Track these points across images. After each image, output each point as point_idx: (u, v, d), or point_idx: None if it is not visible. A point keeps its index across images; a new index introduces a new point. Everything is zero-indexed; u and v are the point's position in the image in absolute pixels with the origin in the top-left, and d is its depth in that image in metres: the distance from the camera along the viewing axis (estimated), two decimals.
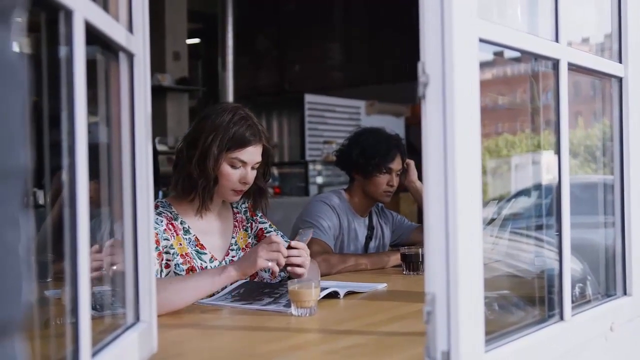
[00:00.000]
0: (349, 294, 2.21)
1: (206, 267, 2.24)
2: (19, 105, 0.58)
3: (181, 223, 2.26)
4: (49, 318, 1.31)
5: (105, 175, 1.38)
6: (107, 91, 1.38)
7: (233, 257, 2.34)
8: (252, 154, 2.25)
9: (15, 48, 0.58)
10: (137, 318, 1.39)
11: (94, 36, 1.14)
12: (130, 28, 1.38)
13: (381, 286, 2.38)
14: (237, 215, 2.45)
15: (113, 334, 1.28)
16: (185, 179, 2.24)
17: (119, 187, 1.39)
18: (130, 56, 1.37)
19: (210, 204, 2.30)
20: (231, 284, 2.18)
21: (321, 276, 2.65)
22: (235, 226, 2.41)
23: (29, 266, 0.60)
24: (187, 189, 2.25)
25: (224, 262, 2.30)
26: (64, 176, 1.03)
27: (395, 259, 2.85)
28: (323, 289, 2.07)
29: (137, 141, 1.39)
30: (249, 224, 2.47)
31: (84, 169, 1.04)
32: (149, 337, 1.41)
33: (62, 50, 1.04)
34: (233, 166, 2.23)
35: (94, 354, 1.11)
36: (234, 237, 2.39)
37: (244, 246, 2.40)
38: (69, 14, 1.02)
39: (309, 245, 2.83)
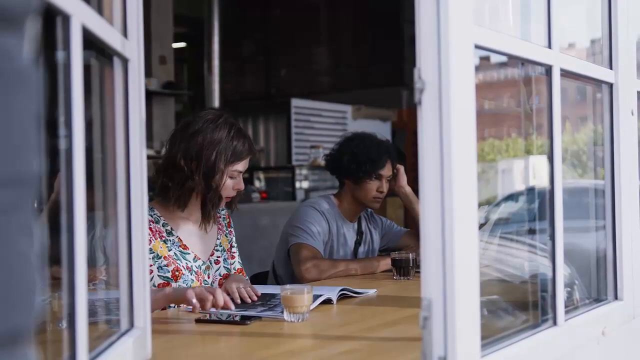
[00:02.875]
0: (342, 298, 2.21)
1: (190, 266, 2.30)
2: (32, 112, 0.58)
3: (163, 225, 2.31)
4: (45, 322, 1.30)
5: (98, 181, 1.37)
6: (101, 96, 1.37)
7: (218, 257, 2.43)
8: (247, 163, 2.38)
9: (28, 55, 0.58)
10: (131, 324, 1.38)
11: (88, 41, 1.14)
12: (125, 33, 1.37)
13: (372, 292, 2.38)
14: (219, 219, 2.52)
15: (108, 340, 1.27)
16: (187, 193, 2.28)
17: (112, 192, 1.38)
18: (125, 61, 1.37)
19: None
20: None
21: (311, 282, 2.65)
22: (219, 228, 2.49)
23: (41, 274, 0.59)
24: (186, 202, 2.31)
25: (208, 262, 2.38)
26: (61, 181, 1.02)
27: (385, 263, 2.85)
28: (316, 296, 2.06)
29: (131, 146, 1.38)
30: (228, 231, 2.55)
31: (81, 174, 1.03)
32: (144, 343, 1.41)
33: (59, 55, 1.03)
34: (231, 177, 2.33)
35: None
36: (218, 239, 2.46)
37: (227, 248, 2.49)
38: (66, 18, 1.01)
39: (299, 251, 2.84)
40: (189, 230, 2.37)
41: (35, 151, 0.59)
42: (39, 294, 0.59)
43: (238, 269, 2.50)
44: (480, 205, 2.28)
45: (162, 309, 2.12)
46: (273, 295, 2.20)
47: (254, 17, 10.60)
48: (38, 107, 0.59)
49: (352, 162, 3.05)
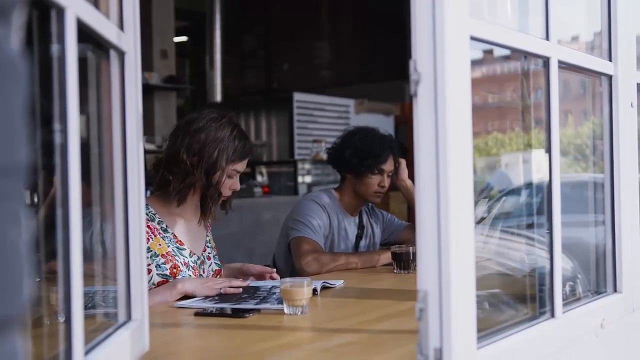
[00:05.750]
0: (324, 288, 2.25)
1: (187, 262, 2.34)
2: (20, 102, 0.58)
3: (158, 223, 2.34)
4: (40, 317, 1.31)
5: (95, 175, 1.37)
6: (98, 90, 1.37)
7: (209, 253, 2.48)
8: (245, 164, 2.41)
9: (15, 45, 0.58)
10: (129, 316, 1.38)
11: (84, 34, 1.13)
12: (121, 26, 1.37)
13: (339, 283, 2.40)
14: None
15: (105, 332, 1.27)
16: (187, 188, 2.31)
17: (109, 186, 1.38)
18: (122, 54, 1.37)
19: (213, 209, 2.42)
20: None
21: (312, 275, 2.65)
22: (208, 227, 2.53)
23: (30, 263, 0.60)
24: (185, 197, 2.33)
25: (202, 257, 2.43)
26: (56, 176, 1.03)
27: (386, 257, 2.85)
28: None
29: (128, 140, 1.38)
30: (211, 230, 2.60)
31: (76, 168, 1.03)
32: (141, 335, 1.41)
33: (54, 48, 1.03)
34: (229, 176, 2.36)
35: (87, 352, 1.11)
36: (208, 236, 2.51)
37: (214, 245, 2.54)
38: (60, 11, 1.01)
39: (300, 244, 2.85)
40: (182, 227, 2.40)
41: (23, 141, 0.59)
42: (27, 283, 0.60)
43: (216, 270, 2.52)
44: (483, 198, 2.28)
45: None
46: (257, 288, 2.24)
47: (255, 12, 10.60)
48: (26, 98, 0.59)
49: (354, 156, 3.04)
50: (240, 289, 2.18)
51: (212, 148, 2.29)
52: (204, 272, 2.41)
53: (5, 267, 0.56)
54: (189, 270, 2.32)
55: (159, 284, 2.23)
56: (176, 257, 2.30)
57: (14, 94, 0.57)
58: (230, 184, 2.37)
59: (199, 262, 2.40)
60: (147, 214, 2.30)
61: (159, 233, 2.31)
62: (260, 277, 2.46)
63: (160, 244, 2.29)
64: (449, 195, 1.17)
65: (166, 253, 2.29)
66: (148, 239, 2.25)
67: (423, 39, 1.19)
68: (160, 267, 2.26)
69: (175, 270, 2.27)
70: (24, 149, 0.59)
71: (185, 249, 2.36)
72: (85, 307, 1.11)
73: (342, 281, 2.43)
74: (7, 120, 0.56)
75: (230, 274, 2.52)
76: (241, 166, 2.38)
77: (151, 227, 2.30)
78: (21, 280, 0.58)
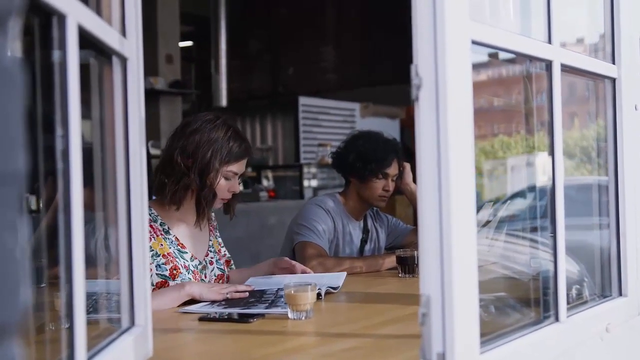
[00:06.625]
0: (327, 293, 2.25)
1: (188, 265, 2.34)
2: (17, 110, 0.58)
3: (161, 225, 2.35)
4: (44, 323, 1.31)
5: (99, 181, 1.38)
6: (101, 95, 1.37)
7: (212, 258, 2.48)
8: (243, 165, 2.41)
9: (12, 53, 0.59)
10: (132, 322, 1.39)
11: (86, 40, 1.14)
12: (123, 32, 1.37)
13: (342, 276, 2.43)
14: (211, 221, 2.57)
15: (108, 338, 1.28)
16: (182, 190, 2.31)
17: (112, 192, 1.39)
18: (124, 60, 1.37)
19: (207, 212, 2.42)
20: None
21: None
22: (210, 231, 2.53)
23: (27, 270, 0.60)
24: (181, 199, 2.33)
25: (204, 262, 2.43)
26: (59, 181, 1.03)
27: (390, 261, 2.85)
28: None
29: (131, 146, 1.39)
30: (217, 233, 2.60)
31: (78, 173, 1.04)
32: (144, 341, 1.41)
33: (55, 55, 1.04)
34: (226, 178, 2.36)
35: (89, 358, 1.11)
36: (210, 240, 2.51)
37: (217, 250, 2.54)
38: (62, 18, 1.02)
39: (304, 249, 2.85)
40: (184, 231, 2.41)
41: (21, 149, 0.59)
42: (24, 290, 0.60)
43: (227, 261, 2.56)
44: (488, 202, 2.27)
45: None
46: (264, 292, 2.23)
47: (260, 15, 10.60)
48: (23, 106, 0.60)
49: (358, 160, 3.04)
50: (247, 294, 2.18)
51: (206, 149, 2.30)
52: (205, 276, 2.41)
53: (2, 275, 0.56)
54: (188, 273, 2.32)
55: (158, 285, 2.24)
56: (177, 259, 2.31)
57: (10, 102, 0.57)
58: (228, 186, 2.36)
59: (200, 266, 2.40)
60: (150, 215, 2.31)
61: (161, 234, 2.32)
62: (291, 271, 2.50)
63: (162, 244, 2.30)
64: (450, 199, 1.17)
65: (167, 254, 2.29)
66: (150, 238, 2.25)
67: (424, 43, 1.19)
68: (160, 267, 2.26)
69: (175, 272, 2.27)
70: (22, 157, 0.59)
71: (187, 253, 2.36)
72: (88, 312, 1.11)
73: (344, 273, 2.45)
74: (4, 128, 0.56)
75: (267, 271, 2.53)
76: (237, 168, 2.37)
77: (154, 227, 2.31)
78: (18, 288, 0.58)
